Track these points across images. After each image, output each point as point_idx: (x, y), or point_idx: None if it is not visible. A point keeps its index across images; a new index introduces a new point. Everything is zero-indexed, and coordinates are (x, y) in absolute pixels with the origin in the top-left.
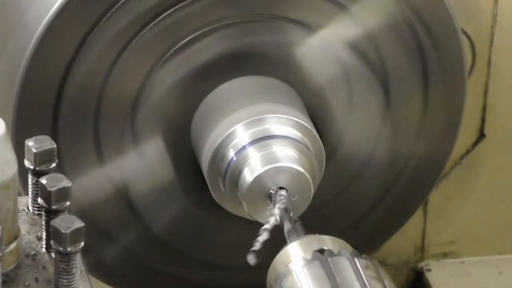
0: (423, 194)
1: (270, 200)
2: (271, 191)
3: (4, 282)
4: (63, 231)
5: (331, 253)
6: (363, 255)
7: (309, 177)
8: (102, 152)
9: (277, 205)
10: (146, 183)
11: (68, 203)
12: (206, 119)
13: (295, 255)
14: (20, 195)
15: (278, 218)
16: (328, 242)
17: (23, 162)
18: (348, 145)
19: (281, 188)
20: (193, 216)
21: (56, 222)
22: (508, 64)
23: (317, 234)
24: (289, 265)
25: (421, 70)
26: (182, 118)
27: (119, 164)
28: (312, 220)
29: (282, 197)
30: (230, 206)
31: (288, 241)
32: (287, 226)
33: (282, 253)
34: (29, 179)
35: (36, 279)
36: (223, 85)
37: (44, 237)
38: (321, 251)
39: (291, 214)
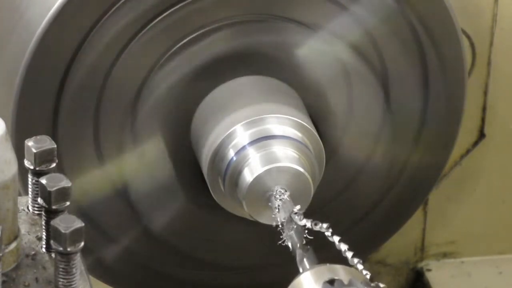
0: (423, 194)
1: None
2: (277, 197)
3: (4, 282)
4: (63, 231)
5: (341, 284)
6: (374, 284)
7: (309, 177)
8: (102, 152)
9: (291, 231)
10: (146, 183)
11: (68, 203)
12: (206, 119)
13: (307, 286)
14: (20, 195)
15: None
16: (339, 271)
17: (23, 162)
18: (348, 145)
19: (295, 212)
20: (193, 216)
21: (56, 222)
22: (508, 64)
23: (328, 264)
24: None
25: (421, 70)
26: (182, 118)
27: (119, 164)
28: (312, 221)
29: (295, 225)
30: (230, 206)
31: (300, 270)
32: (299, 254)
33: (295, 283)
34: (29, 179)
35: (36, 279)
36: (223, 85)
37: (44, 237)
38: (332, 281)
39: (304, 241)
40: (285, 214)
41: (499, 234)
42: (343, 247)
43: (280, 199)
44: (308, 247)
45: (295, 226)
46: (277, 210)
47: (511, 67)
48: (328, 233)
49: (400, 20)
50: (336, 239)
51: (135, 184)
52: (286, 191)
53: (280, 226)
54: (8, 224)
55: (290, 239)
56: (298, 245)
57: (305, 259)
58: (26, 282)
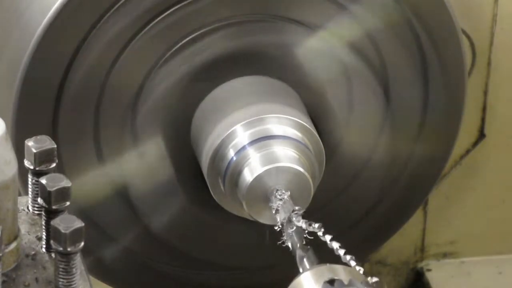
0: (423, 194)
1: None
2: (277, 197)
3: (4, 282)
4: (63, 231)
5: (341, 284)
6: (375, 284)
7: (309, 177)
8: (102, 152)
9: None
10: (146, 183)
11: (68, 203)
12: (206, 119)
13: (307, 286)
14: (20, 195)
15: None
16: (339, 271)
17: (23, 162)
18: (348, 145)
19: (294, 212)
20: (193, 216)
21: (56, 222)
22: (508, 64)
23: (328, 264)
24: None
25: (421, 70)
26: (182, 118)
27: (119, 164)
28: (312, 221)
29: (295, 225)
30: (230, 206)
31: (300, 270)
32: (299, 254)
33: (295, 283)
34: (29, 179)
35: (36, 279)
36: (223, 85)
37: (44, 237)
38: (332, 281)
39: (304, 241)
40: (285, 214)
41: (499, 234)
42: (335, 245)
43: (280, 199)
44: (308, 247)
45: (295, 226)
46: (277, 210)
47: (511, 67)
48: (320, 233)
49: (400, 20)
50: (328, 237)
51: (135, 184)
52: (286, 191)
53: (280, 226)
54: (8, 224)
55: (290, 239)
56: (298, 245)
57: (305, 259)
58: (26, 282)
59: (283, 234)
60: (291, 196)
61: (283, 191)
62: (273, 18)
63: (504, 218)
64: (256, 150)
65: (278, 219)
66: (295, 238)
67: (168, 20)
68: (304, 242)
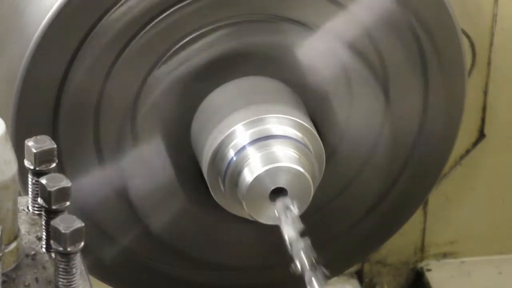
0: (423, 194)
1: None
2: (283, 214)
3: (4, 282)
4: (63, 231)
5: None
6: None
7: (309, 177)
8: (102, 152)
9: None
10: (146, 183)
11: (68, 203)
12: (206, 119)
13: None
14: (20, 195)
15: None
16: None
17: (23, 162)
18: (348, 145)
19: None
20: (193, 216)
21: (56, 222)
22: (508, 64)
23: (339, 286)
24: None
25: (421, 70)
26: (182, 118)
27: (119, 164)
28: (312, 221)
29: (303, 243)
30: (230, 206)
31: None
32: (308, 273)
33: None
34: (29, 179)
35: (36, 279)
36: (223, 85)
37: (44, 237)
38: None
39: (313, 260)
40: (293, 232)
41: (499, 234)
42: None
43: (288, 215)
44: (317, 266)
45: (303, 245)
46: (283, 225)
47: (511, 67)
48: None
49: (400, 20)
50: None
51: (135, 184)
52: (293, 205)
53: (288, 245)
54: (8, 224)
55: (298, 258)
56: (307, 264)
57: (313, 279)
58: (26, 282)
59: (291, 252)
60: (291, 196)
61: (290, 205)
62: (273, 18)
63: (504, 218)
64: (256, 150)
65: (287, 238)
66: (304, 258)
67: (167, 20)
68: (313, 261)
